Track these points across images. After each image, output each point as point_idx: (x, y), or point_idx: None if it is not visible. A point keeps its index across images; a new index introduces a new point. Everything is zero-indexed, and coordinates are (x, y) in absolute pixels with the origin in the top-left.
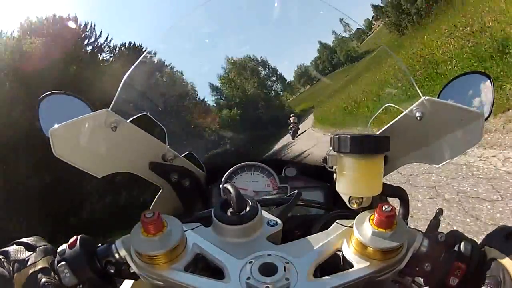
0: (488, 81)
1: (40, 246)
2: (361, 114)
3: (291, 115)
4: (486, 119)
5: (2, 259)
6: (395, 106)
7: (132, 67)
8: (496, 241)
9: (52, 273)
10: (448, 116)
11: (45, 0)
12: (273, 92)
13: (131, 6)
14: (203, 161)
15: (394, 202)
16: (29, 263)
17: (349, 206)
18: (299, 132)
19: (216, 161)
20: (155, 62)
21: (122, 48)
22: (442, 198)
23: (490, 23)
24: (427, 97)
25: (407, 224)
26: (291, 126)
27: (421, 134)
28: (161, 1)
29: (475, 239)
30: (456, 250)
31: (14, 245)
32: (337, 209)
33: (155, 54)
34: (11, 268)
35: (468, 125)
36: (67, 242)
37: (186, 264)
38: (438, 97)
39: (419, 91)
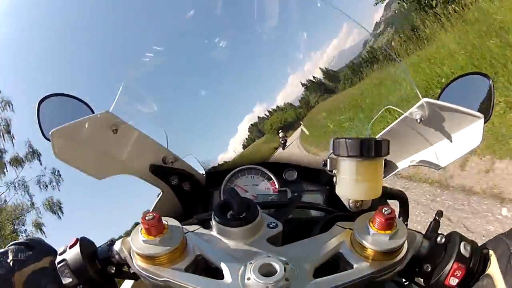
0: (488, 82)
1: (40, 246)
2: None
3: (279, 131)
4: (486, 120)
5: (2, 259)
6: (395, 108)
7: (133, 68)
8: (498, 244)
9: (53, 274)
10: (448, 118)
11: None
12: None
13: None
14: (204, 164)
15: (394, 204)
16: (30, 262)
17: (349, 208)
18: (287, 144)
19: (216, 164)
20: (156, 63)
21: None
22: None
23: None
24: (426, 99)
25: (407, 226)
26: (280, 140)
27: (421, 137)
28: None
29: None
30: (456, 251)
31: (14, 245)
32: (337, 212)
33: (155, 55)
34: (10, 268)
35: (468, 127)
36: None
37: (186, 266)
38: (438, 99)
39: (419, 93)
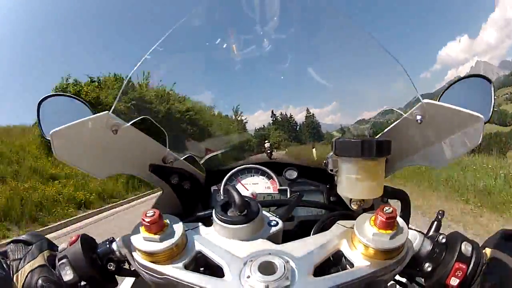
0: (488, 84)
1: (36, 241)
2: None
3: (265, 142)
4: (486, 122)
5: (2, 260)
6: (395, 109)
7: (133, 69)
8: (497, 243)
9: (52, 270)
10: (448, 119)
11: None
12: None
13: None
14: (204, 163)
15: (396, 203)
16: (26, 261)
17: (350, 207)
18: (273, 153)
19: (216, 164)
20: (156, 64)
21: None
22: None
23: None
24: (426, 100)
25: (408, 225)
26: (267, 149)
27: (421, 137)
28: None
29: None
30: (457, 251)
31: (12, 243)
32: (337, 210)
33: (155, 57)
34: (10, 269)
35: (468, 128)
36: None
37: (186, 263)
38: (438, 100)
39: (418, 94)
